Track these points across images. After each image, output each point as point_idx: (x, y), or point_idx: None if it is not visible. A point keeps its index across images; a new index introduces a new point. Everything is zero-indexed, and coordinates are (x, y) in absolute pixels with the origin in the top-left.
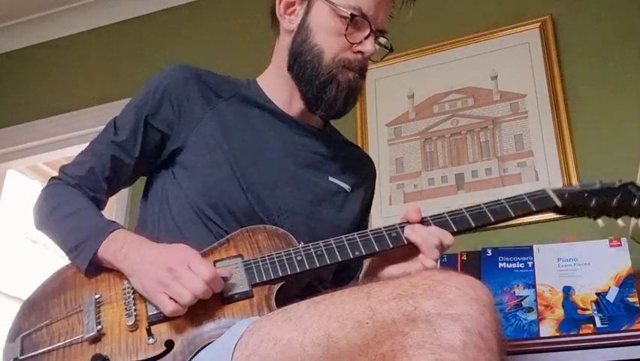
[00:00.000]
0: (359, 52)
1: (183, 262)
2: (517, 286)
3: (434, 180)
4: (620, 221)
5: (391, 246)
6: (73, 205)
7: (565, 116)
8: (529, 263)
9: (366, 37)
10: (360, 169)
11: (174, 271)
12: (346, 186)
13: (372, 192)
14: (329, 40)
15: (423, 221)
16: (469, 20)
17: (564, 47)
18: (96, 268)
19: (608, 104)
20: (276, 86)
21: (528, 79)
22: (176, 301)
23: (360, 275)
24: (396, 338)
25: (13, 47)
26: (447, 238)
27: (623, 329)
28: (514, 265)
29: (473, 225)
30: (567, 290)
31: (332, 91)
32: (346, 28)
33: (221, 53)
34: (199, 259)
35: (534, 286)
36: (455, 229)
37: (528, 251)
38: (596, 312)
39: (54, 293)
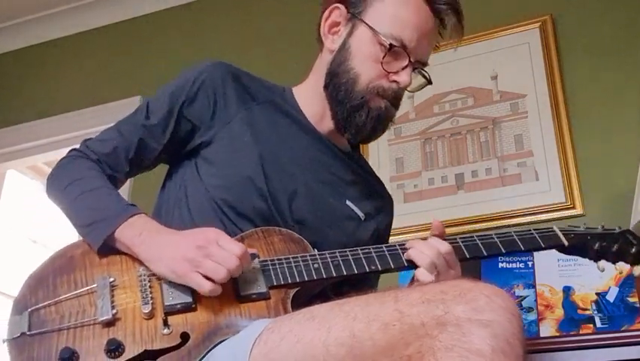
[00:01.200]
0: (394, 81)
1: (212, 240)
2: (517, 286)
3: (434, 180)
4: (617, 267)
5: (406, 264)
6: (93, 182)
7: (565, 116)
8: (529, 263)
9: (403, 68)
10: (378, 201)
11: (204, 248)
12: (361, 214)
13: (387, 228)
14: (366, 66)
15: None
16: (469, 20)
17: (564, 47)
18: (108, 249)
19: (608, 103)
20: (311, 100)
21: (528, 79)
22: (210, 280)
23: None
24: (424, 341)
25: (13, 47)
26: (443, 246)
27: (623, 329)
28: (514, 265)
29: (485, 254)
30: (567, 290)
31: (362, 116)
32: (384, 57)
33: (222, 54)
34: (227, 237)
35: (534, 286)
36: (468, 256)
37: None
38: (596, 312)
39: (62, 271)
